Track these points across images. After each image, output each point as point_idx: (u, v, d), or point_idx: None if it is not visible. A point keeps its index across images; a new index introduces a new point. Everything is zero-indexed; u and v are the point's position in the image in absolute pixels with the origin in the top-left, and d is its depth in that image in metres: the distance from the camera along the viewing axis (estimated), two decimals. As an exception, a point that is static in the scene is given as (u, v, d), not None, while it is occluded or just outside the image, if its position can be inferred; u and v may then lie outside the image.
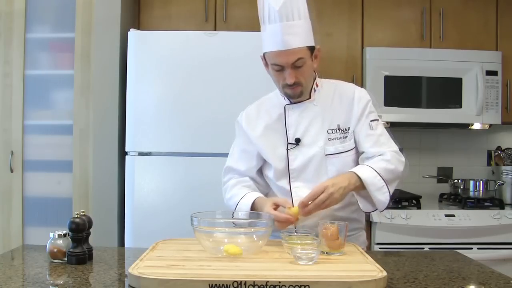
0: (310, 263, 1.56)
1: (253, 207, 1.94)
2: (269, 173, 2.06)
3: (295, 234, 1.79)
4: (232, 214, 1.90)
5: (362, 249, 1.84)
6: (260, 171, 2.12)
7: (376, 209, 1.95)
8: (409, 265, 1.75)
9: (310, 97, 2.04)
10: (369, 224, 3.19)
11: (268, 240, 1.74)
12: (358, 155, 2.03)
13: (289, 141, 2.02)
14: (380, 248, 3.16)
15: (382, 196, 1.90)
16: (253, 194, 1.99)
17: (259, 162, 2.09)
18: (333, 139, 1.99)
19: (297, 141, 2.01)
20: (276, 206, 1.86)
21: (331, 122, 2.01)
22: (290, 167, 2.01)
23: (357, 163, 2.03)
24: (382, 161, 1.94)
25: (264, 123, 2.06)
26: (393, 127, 3.49)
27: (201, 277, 1.40)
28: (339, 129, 2.00)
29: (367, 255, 1.69)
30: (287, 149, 2.01)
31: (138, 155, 3.08)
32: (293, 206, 1.87)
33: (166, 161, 3.07)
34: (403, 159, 2.01)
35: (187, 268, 1.51)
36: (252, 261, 1.59)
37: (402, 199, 3.36)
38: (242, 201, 1.98)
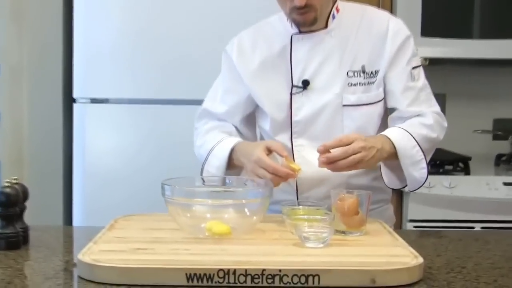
0: (321, 245, 1.56)
1: (233, 156, 1.95)
2: (265, 125, 2.07)
3: (301, 207, 1.80)
4: (209, 181, 1.91)
5: (390, 227, 1.85)
6: (248, 121, 2.13)
7: (405, 187, 2.00)
8: (454, 250, 1.76)
9: (326, 26, 2.02)
10: (399, 195, 3.21)
11: (265, 216, 1.75)
12: (385, 108, 2.05)
13: (294, 84, 2.01)
14: (415, 227, 3.18)
15: (418, 172, 1.95)
16: (234, 139, 2.01)
17: (247, 108, 2.10)
18: (354, 85, 1.99)
19: (305, 84, 2.00)
20: (269, 152, 1.86)
21: (354, 62, 2.00)
22: (293, 119, 2.01)
23: (384, 121, 2.05)
24: (423, 126, 1.97)
25: (262, 56, 2.06)
26: (433, 66, 3.45)
27: (176, 264, 1.40)
28: (363, 71, 2.00)
29: (396, 236, 1.70)
30: (291, 94, 2.01)
31: (91, 102, 3.09)
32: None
33: (128, 110, 3.08)
34: (445, 124, 2.06)
35: (158, 252, 1.51)
36: (244, 243, 1.60)
37: (444, 162, 3.37)
38: (219, 147, 1.99)
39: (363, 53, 2.01)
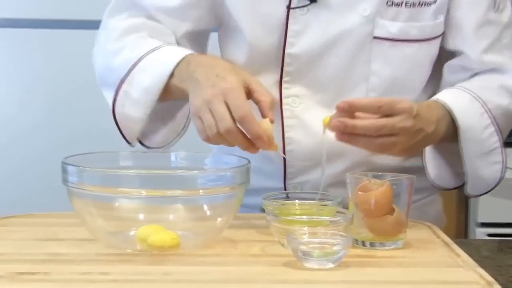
0: (330, 265, 1.55)
1: (176, 73, 1.93)
2: (238, 56, 2.08)
3: (296, 201, 1.83)
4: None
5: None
6: (196, 42, 2.13)
7: (461, 186, 2.10)
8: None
9: None
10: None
11: (237, 216, 1.78)
12: (442, 51, 2.10)
13: None
14: (489, 235, 3.25)
15: (488, 169, 2.03)
16: (180, 48, 2.01)
17: (204, 18, 2.11)
18: (397, 5, 2.02)
19: None
20: (248, 93, 1.85)
21: None
22: (287, 50, 2.03)
23: (436, 70, 2.11)
24: (504, 92, 2.05)
25: None
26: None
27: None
28: (415, -12, 2.04)
29: (458, 250, 1.71)
30: (288, 8, 1.99)
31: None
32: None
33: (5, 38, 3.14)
34: None
35: (55, 279, 1.50)
36: (201, 263, 1.61)
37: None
38: (154, 56, 1.97)
39: None
